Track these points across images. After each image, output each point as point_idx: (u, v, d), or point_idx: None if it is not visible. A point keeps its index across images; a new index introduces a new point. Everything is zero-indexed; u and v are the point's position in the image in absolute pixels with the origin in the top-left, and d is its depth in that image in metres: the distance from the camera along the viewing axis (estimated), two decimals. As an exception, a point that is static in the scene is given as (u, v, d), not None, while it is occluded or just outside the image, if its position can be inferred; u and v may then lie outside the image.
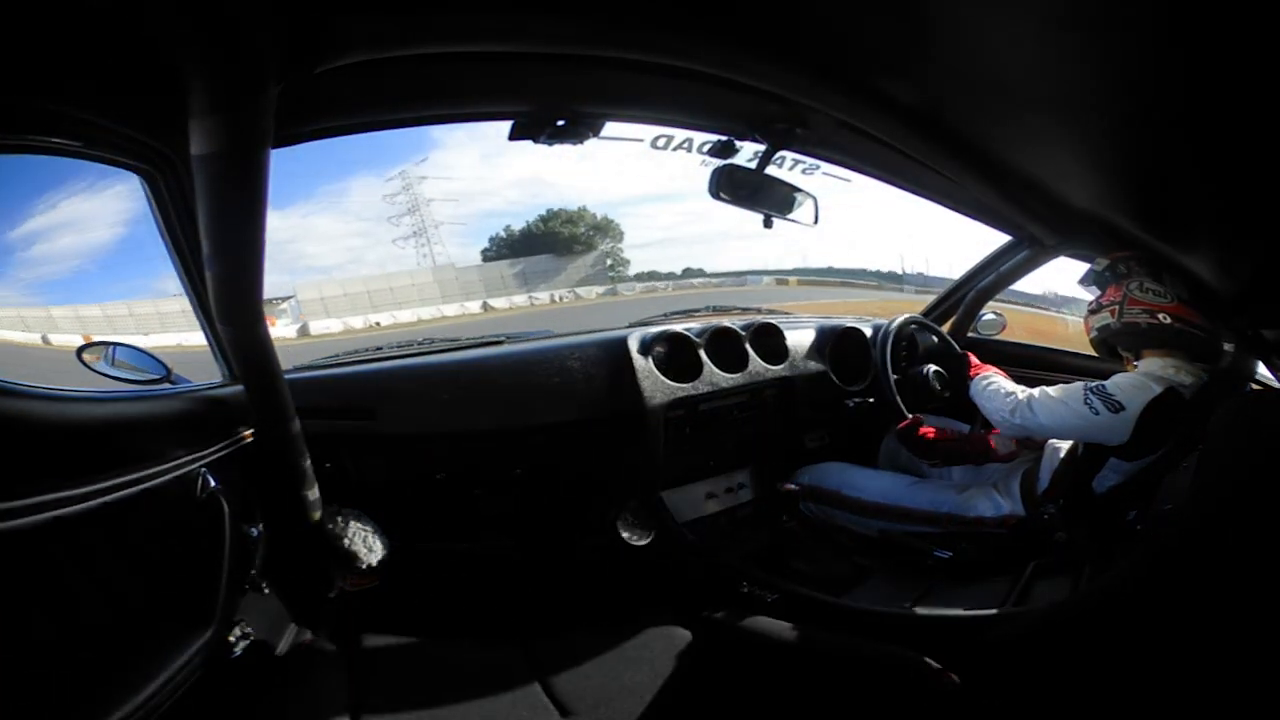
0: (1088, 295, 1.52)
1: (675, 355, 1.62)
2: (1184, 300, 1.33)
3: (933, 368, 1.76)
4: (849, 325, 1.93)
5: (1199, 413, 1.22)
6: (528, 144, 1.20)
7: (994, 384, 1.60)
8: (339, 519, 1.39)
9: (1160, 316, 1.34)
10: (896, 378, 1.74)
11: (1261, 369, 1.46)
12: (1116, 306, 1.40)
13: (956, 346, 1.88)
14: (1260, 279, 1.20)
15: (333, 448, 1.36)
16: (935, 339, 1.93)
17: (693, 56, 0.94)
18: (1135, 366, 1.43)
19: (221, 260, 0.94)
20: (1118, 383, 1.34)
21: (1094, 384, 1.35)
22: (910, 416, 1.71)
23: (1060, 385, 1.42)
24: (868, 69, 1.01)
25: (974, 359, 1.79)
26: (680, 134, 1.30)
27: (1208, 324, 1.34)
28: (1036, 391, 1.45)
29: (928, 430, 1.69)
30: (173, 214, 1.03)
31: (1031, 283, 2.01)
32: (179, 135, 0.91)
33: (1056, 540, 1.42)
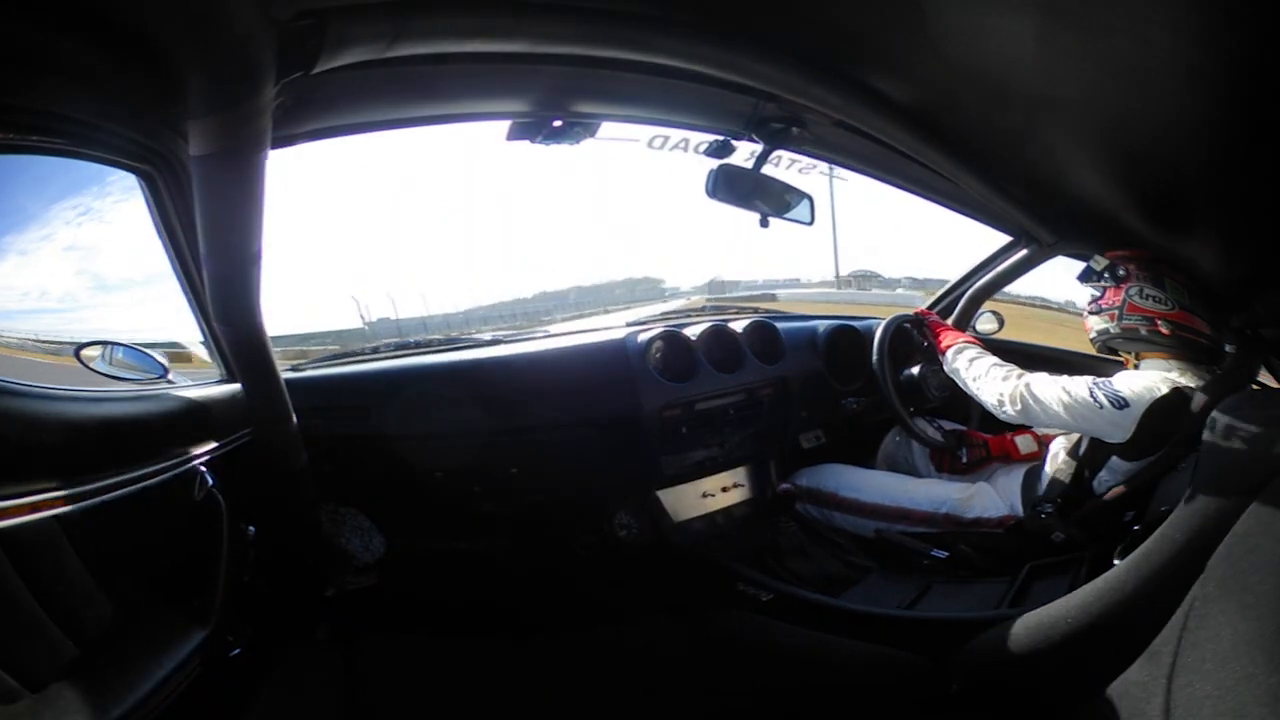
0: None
1: (671, 355, 1.63)
2: (1185, 307, 1.33)
3: (929, 368, 1.76)
4: (845, 324, 1.93)
5: (1200, 414, 1.22)
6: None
7: (979, 360, 1.55)
8: (336, 518, 1.40)
9: (1160, 324, 1.33)
10: (892, 377, 1.74)
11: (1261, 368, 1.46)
12: (1116, 311, 1.39)
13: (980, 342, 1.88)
14: (1260, 276, 1.20)
15: (330, 447, 1.37)
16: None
17: (689, 56, 0.94)
18: (1135, 366, 1.43)
19: (220, 260, 0.95)
20: (1125, 380, 1.33)
21: (1100, 379, 1.34)
22: (943, 439, 1.72)
23: (1064, 376, 1.40)
24: (865, 67, 1.02)
25: (935, 319, 1.77)
26: (676, 134, 1.31)
27: (1209, 330, 1.34)
28: (1035, 378, 1.42)
29: (969, 454, 1.69)
30: (172, 214, 1.03)
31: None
32: (178, 136, 0.92)
33: (1053, 541, 1.42)
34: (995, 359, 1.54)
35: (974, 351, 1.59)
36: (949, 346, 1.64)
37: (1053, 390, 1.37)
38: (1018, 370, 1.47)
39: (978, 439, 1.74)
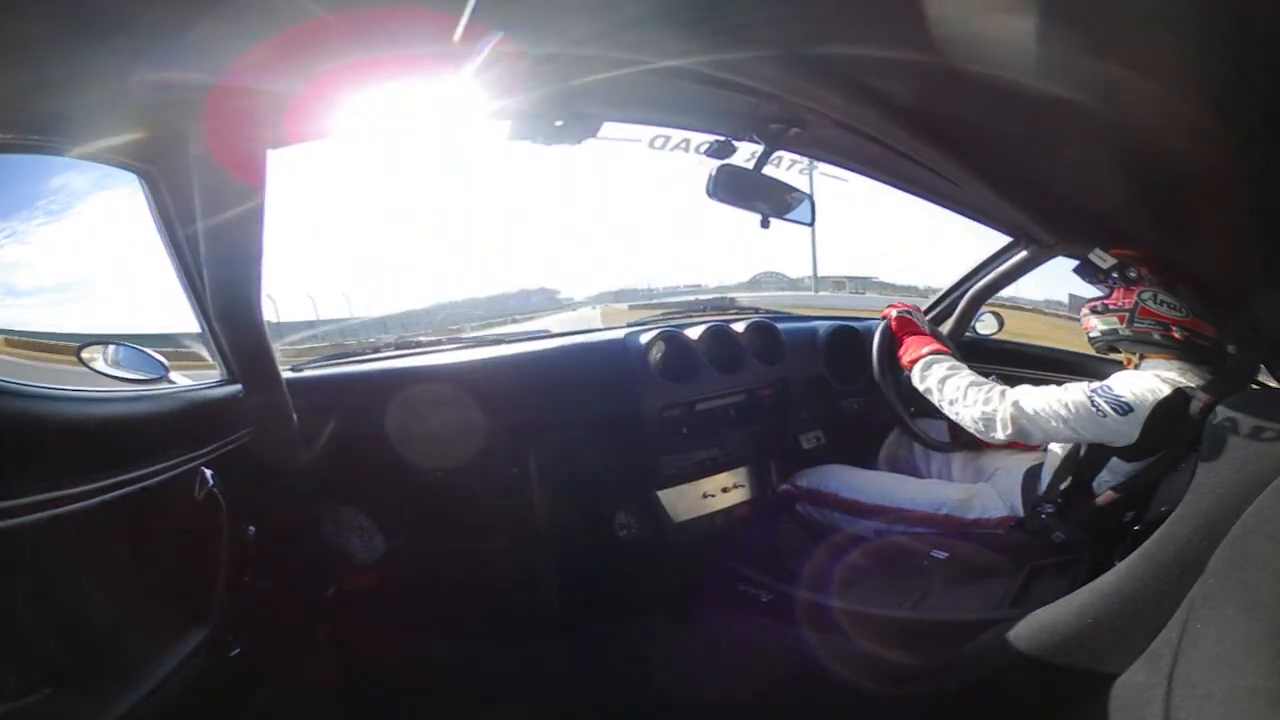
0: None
1: (672, 356, 1.63)
2: (1196, 314, 1.32)
3: None
4: (845, 325, 1.93)
5: (1200, 414, 1.22)
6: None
7: (951, 379, 1.42)
8: (336, 518, 1.40)
9: (1174, 330, 1.33)
10: (893, 379, 1.74)
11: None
12: (1126, 314, 1.37)
13: (954, 348, 1.88)
14: (1260, 276, 1.20)
15: (330, 447, 1.37)
16: None
17: (690, 57, 0.94)
18: (1136, 366, 1.43)
19: (220, 260, 0.95)
20: (1125, 384, 1.32)
21: (1096, 385, 1.32)
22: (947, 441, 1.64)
23: (1053, 387, 1.36)
24: (865, 68, 1.02)
25: (901, 319, 1.60)
26: (677, 134, 1.31)
27: (1214, 334, 1.34)
28: (1020, 394, 1.35)
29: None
30: (172, 214, 1.03)
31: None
32: (178, 136, 0.92)
33: (1054, 541, 1.42)
34: (970, 375, 1.43)
35: (943, 368, 1.45)
36: (914, 361, 1.49)
37: (1046, 403, 1.32)
38: (998, 387, 1.39)
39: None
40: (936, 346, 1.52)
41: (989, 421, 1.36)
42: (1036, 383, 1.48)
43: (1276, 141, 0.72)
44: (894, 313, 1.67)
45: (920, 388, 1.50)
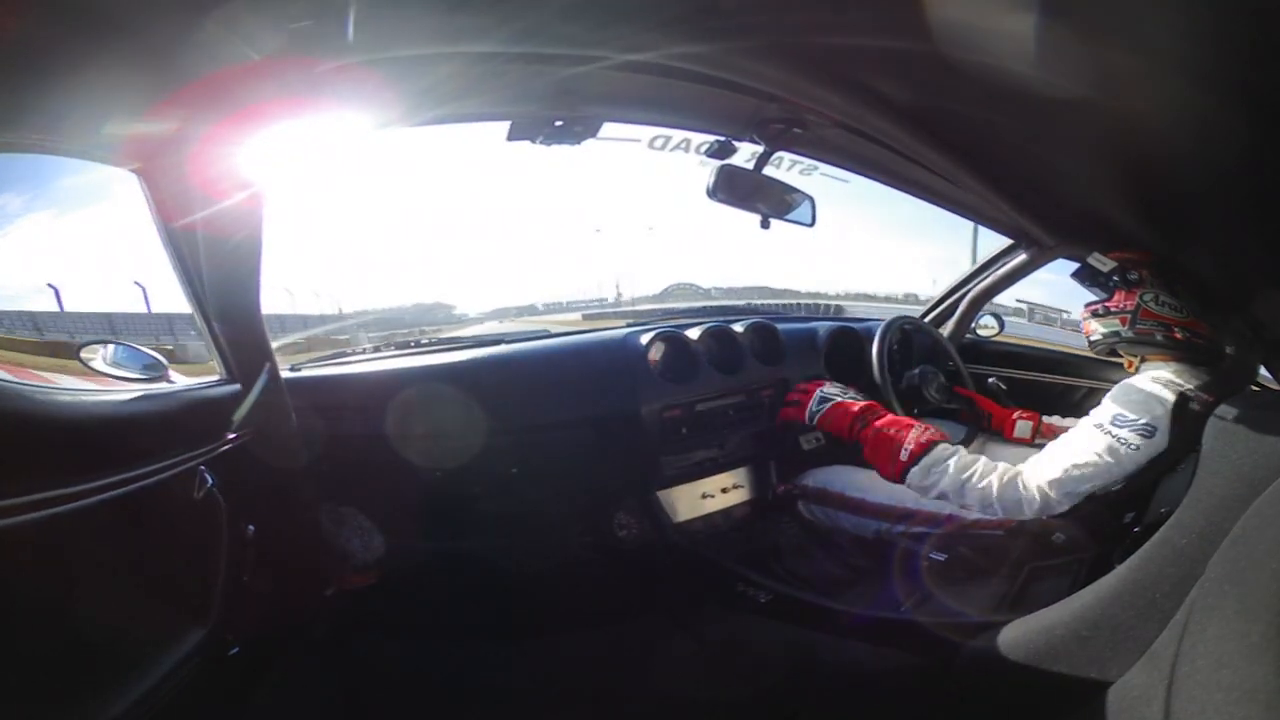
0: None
1: (672, 356, 1.63)
2: (1196, 314, 1.32)
3: (929, 370, 1.77)
4: (845, 326, 1.93)
5: (1200, 415, 1.22)
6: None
7: (967, 482, 1.31)
8: (336, 518, 1.40)
9: (1176, 331, 1.33)
10: (893, 380, 1.74)
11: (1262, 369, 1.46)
12: (1129, 315, 1.38)
13: (954, 350, 1.88)
14: (1260, 277, 1.20)
15: (330, 447, 1.37)
16: (932, 341, 1.93)
17: (690, 57, 0.94)
18: (1136, 370, 1.43)
19: (219, 260, 0.95)
20: (1132, 404, 1.29)
21: (1103, 422, 1.29)
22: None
23: (1061, 447, 1.30)
24: (865, 69, 1.02)
25: (814, 408, 1.49)
26: (678, 134, 1.31)
27: (1214, 334, 1.34)
28: (1032, 472, 1.29)
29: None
30: (172, 214, 1.03)
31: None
32: (178, 135, 0.92)
33: (1054, 542, 1.42)
34: (978, 469, 1.31)
35: (938, 463, 1.34)
36: (907, 465, 1.36)
37: (1063, 468, 1.26)
38: (1009, 471, 1.30)
39: (984, 409, 1.74)
40: (918, 439, 1.36)
41: (1015, 507, 1.30)
42: (1040, 386, 1.48)
43: (1276, 140, 0.72)
44: (813, 405, 1.50)
45: (926, 494, 1.38)
